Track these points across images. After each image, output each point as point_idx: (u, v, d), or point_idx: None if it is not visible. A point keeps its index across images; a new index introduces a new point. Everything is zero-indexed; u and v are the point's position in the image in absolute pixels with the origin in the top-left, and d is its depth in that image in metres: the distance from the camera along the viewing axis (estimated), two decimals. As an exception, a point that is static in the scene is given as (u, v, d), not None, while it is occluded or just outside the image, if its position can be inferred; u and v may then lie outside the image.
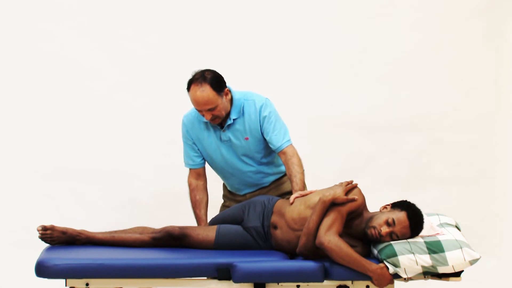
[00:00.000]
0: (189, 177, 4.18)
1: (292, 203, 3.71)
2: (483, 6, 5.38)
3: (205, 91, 3.82)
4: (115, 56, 5.25)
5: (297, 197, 3.74)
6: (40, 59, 5.22)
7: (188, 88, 3.87)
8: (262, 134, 4.02)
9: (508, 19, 5.40)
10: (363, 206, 3.59)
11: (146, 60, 5.27)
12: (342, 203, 3.51)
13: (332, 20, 5.35)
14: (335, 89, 5.36)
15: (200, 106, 3.85)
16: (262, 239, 3.71)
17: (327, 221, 3.46)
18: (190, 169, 4.17)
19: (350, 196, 3.53)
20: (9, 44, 5.20)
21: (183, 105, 4.19)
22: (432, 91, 5.40)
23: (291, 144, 4.02)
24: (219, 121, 3.94)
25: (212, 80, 3.84)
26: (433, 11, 5.38)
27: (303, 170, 3.98)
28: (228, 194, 4.29)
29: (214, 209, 4.22)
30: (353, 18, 5.36)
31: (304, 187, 3.94)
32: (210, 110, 3.85)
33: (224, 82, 3.91)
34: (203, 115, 3.90)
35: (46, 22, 5.21)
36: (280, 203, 3.78)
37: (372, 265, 3.37)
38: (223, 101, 3.89)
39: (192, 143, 4.10)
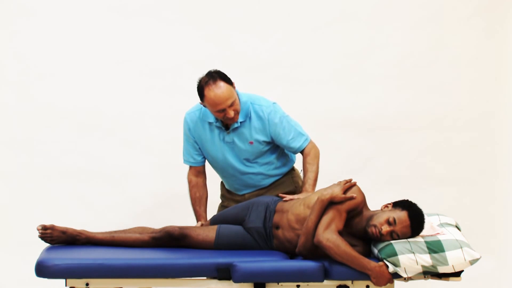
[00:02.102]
0: (189, 174, 4.18)
1: (285, 200, 3.79)
2: (484, 5, 5.38)
3: (223, 86, 3.80)
4: (115, 56, 5.25)
5: (287, 199, 3.82)
6: (39, 59, 5.22)
7: (203, 94, 3.82)
8: (271, 139, 4.01)
9: (509, 18, 5.40)
10: (362, 204, 3.58)
11: (146, 60, 5.27)
12: (341, 202, 3.51)
13: (333, 21, 5.35)
14: (336, 89, 5.36)
15: (224, 103, 3.80)
16: (263, 240, 3.70)
17: (325, 219, 3.46)
18: (190, 166, 4.17)
19: (349, 194, 3.53)
20: (9, 44, 5.20)
21: (183, 105, 4.19)
22: (433, 91, 5.40)
23: (309, 141, 4.07)
24: (237, 118, 3.91)
25: (221, 75, 3.84)
26: (433, 10, 5.38)
27: (316, 168, 4.03)
28: (227, 194, 4.28)
29: (211, 209, 4.21)
30: (354, 18, 5.35)
31: (313, 184, 3.98)
32: (232, 105, 3.83)
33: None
34: (226, 114, 3.84)
35: (46, 23, 5.22)
36: (281, 203, 3.78)
37: (370, 263, 3.37)
38: (236, 94, 3.88)
39: (193, 141, 4.09)
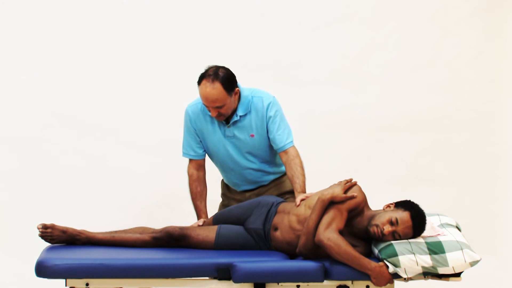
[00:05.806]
0: (189, 168, 4.16)
1: (298, 205, 3.69)
2: (483, 6, 5.38)
3: (216, 88, 3.81)
4: (115, 56, 5.26)
5: (303, 199, 3.72)
6: (40, 59, 5.22)
7: (199, 82, 3.84)
8: (267, 131, 4.02)
9: (508, 18, 5.40)
10: (363, 204, 3.58)
11: (146, 60, 5.28)
12: (341, 201, 3.51)
13: (333, 20, 5.35)
14: (336, 89, 5.36)
15: (208, 103, 3.83)
16: (262, 241, 3.70)
17: (326, 219, 3.46)
18: (190, 160, 4.15)
19: (349, 193, 3.53)
20: (10, 44, 5.20)
21: (183, 105, 4.18)
22: (432, 91, 5.40)
23: (294, 146, 4.03)
24: (223, 119, 3.94)
25: (224, 78, 3.83)
26: (433, 11, 5.38)
27: (305, 173, 3.97)
28: (227, 192, 4.28)
29: (211, 208, 4.20)
30: (353, 18, 5.36)
31: (305, 190, 3.92)
32: (217, 107, 3.84)
33: (236, 82, 3.91)
34: (209, 110, 3.89)
35: (47, 23, 5.22)
36: (284, 204, 3.77)
37: (371, 263, 3.37)
38: (231, 101, 3.88)
39: (195, 133, 4.08)
